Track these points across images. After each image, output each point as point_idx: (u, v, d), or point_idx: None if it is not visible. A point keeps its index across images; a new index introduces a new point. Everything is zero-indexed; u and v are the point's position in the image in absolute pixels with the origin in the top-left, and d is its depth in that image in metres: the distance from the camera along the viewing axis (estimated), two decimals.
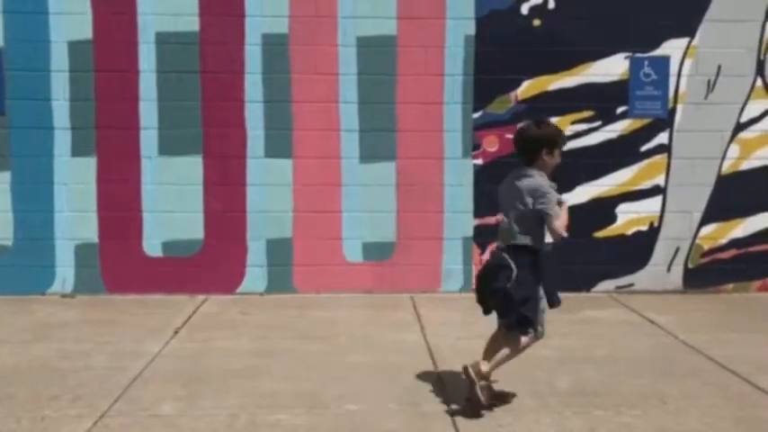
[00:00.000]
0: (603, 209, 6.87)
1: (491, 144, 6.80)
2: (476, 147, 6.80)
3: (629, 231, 6.90)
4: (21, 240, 6.62)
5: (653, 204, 6.90)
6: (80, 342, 5.29)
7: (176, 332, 5.57)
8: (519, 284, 3.88)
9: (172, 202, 6.65)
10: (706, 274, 6.94)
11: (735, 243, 6.95)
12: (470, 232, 6.84)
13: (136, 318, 5.95)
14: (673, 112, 6.84)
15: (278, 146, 6.68)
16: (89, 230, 6.65)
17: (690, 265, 6.96)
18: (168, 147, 6.64)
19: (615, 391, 4.37)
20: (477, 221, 6.84)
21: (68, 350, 5.11)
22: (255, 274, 6.76)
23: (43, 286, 6.66)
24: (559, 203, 3.96)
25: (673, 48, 6.79)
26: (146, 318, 5.94)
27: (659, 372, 4.65)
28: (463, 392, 4.03)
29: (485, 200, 6.80)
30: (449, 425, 3.90)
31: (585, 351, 5.17)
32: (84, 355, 4.99)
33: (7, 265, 6.59)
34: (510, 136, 6.76)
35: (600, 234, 6.88)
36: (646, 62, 6.79)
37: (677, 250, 6.94)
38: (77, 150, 6.60)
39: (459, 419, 3.95)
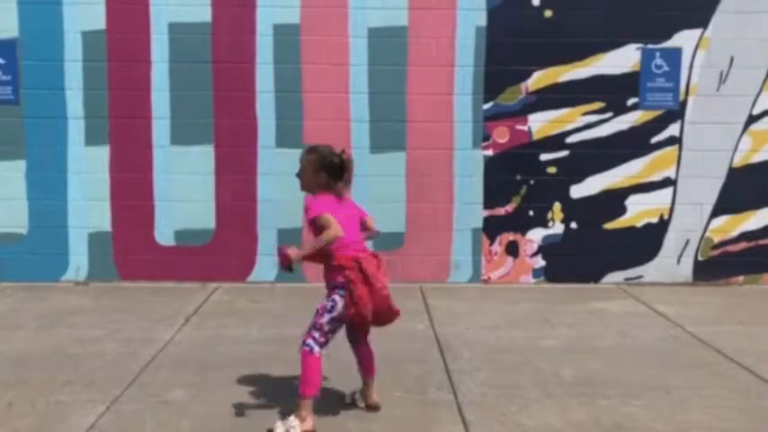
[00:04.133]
0: (614, 200, 6.86)
1: (501, 135, 6.81)
2: (486, 138, 6.80)
3: (640, 223, 6.90)
4: (35, 228, 6.71)
5: (663, 196, 6.89)
6: (93, 329, 5.37)
7: (187, 320, 5.64)
8: None
9: (183, 191, 6.72)
10: (716, 266, 6.93)
11: (746, 236, 6.93)
12: (480, 223, 6.86)
13: (148, 305, 6.02)
14: (684, 103, 6.81)
15: (289, 136, 6.72)
16: (102, 219, 6.74)
17: (700, 258, 6.95)
18: (180, 136, 6.70)
19: (620, 382, 4.38)
20: (486, 212, 6.85)
21: (82, 336, 5.19)
22: (266, 263, 6.81)
23: (57, 274, 6.75)
24: None
25: (685, 39, 6.75)
26: (158, 305, 6.01)
27: (665, 363, 4.66)
28: (470, 381, 4.04)
29: (495, 191, 6.83)
30: (455, 413, 3.94)
31: (592, 341, 5.18)
32: (97, 342, 5.07)
33: (22, 253, 6.69)
34: (520, 127, 6.89)
35: (610, 225, 6.88)
36: (657, 54, 6.76)
37: (687, 242, 6.93)
38: (91, 139, 6.68)
39: (466, 408, 3.99)
